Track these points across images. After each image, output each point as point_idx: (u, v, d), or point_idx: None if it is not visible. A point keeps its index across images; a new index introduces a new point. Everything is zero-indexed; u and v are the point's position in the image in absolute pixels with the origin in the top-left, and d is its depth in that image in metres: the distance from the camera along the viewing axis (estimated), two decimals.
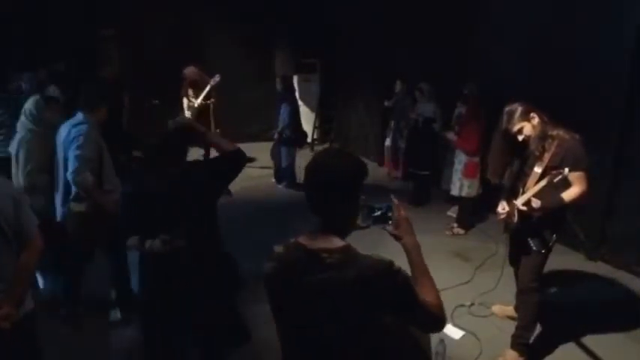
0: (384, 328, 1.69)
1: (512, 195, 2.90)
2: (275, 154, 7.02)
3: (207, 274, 2.37)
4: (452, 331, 3.33)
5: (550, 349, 3.15)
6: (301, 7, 8.79)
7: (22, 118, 3.45)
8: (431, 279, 1.52)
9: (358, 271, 1.35)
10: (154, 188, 2.32)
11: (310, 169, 1.46)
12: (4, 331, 1.88)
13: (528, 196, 2.70)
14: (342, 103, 9.39)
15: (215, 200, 2.48)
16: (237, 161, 2.48)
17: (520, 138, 2.73)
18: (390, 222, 1.54)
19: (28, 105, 3.47)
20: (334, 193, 1.42)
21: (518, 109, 2.70)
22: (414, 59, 6.74)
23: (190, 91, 7.08)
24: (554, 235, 2.81)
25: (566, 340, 3.24)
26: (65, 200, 3.15)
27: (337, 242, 1.43)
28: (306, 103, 9.45)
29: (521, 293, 3.03)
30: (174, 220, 2.27)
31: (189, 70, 6.95)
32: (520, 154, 2.85)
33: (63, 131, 3.15)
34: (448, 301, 3.63)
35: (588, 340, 3.26)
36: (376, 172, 7.71)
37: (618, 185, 4.31)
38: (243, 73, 9.08)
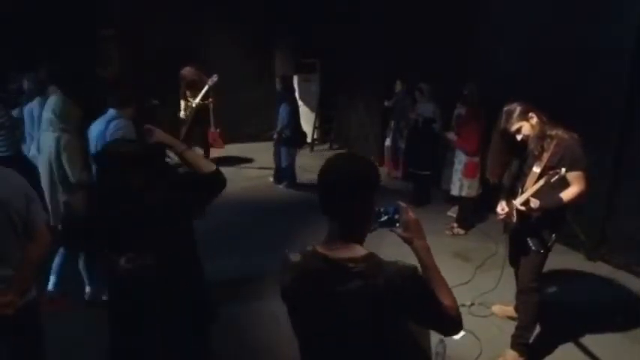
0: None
1: (511, 195, 2.90)
2: (275, 155, 7.02)
3: (175, 299, 2.18)
4: None
5: (550, 349, 3.15)
6: (301, 7, 8.79)
7: (52, 116, 3.42)
8: (445, 282, 1.53)
9: (386, 279, 1.35)
10: (120, 200, 2.11)
11: (322, 172, 1.45)
12: (9, 316, 2.00)
13: (527, 196, 2.69)
14: (342, 103, 9.39)
15: (186, 220, 2.29)
16: (214, 184, 2.25)
17: (519, 138, 2.73)
18: (398, 225, 1.52)
19: (56, 104, 3.45)
20: (346, 194, 1.40)
21: (517, 109, 2.70)
22: (414, 59, 6.74)
23: (187, 92, 7.08)
24: (554, 235, 2.81)
25: (566, 340, 3.24)
26: None
27: (359, 250, 1.42)
28: (306, 103, 9.46)
29: (521, 293, 3.03)
30: (140, 236, 2.07)
31: (186, 71, 6.95)
32: (519, 153, 2.85)
33: (96, 127, 3.39)
34: None
35: (588, 340, 3.26)
36: None
37: (618, 185, 4.31)
38: (243, 73, 9.08)
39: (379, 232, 1.57)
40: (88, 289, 3.71)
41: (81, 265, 3.65)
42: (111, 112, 3.42)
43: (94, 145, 3.38)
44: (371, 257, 1.40)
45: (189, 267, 2.28)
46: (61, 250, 3.60)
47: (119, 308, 2.25)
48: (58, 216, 3.46)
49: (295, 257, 1.47)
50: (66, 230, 3.03)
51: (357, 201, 1.42)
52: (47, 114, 3.44)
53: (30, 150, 4.52)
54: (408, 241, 1.53)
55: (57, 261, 3.61)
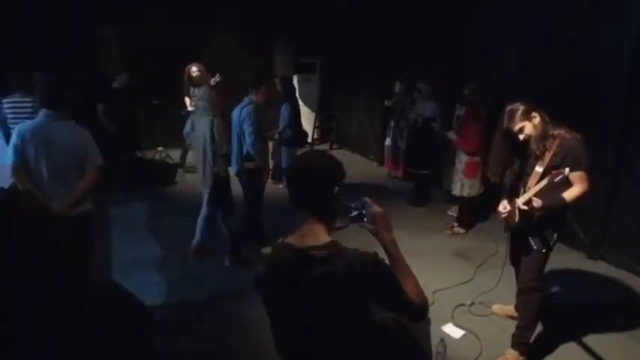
0: (383, 326, 1.72)
1: (513, 194, 2.90)
2: (275, 154, 7.02)
3: None
4: (452, 331, 3.34)
5: (550, 349, 3.15)
6: (301, 7, 8.79)
7: (206, 104, 4.20)
8: (409, 269, 1.60)
9: (346, 264, 1.41)
10: None
11: (291, 168, 1.61)
12: (68, 222, 2.39)
13: (529, 195, 2.70)
14: (342, 103, 9.40)
15: None
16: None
17: (521, 137, 2.73)
18: (365, 219, 1.60)
19: (205, 94, 4.27)
20: (312, 187, 1.52)
21: (520, 109, 2.70)
22: (414, 59, 6.75)
23: (192, 90, 7.13)
24: (555, 235, 2.82)
25: (566, 340, 3.25)
26: (238, 160, 4.41)
27: (324, 238, 1.50)
28: (306, 103, 9.46)
29: (521, 292, 3.04)
30: None
31: (195, 68, 7.01)
32: (521, 153, 2.86)
33: (236, 113, 4.37)
34: (448, 301, 3.67)
35: (589, 339, 3.26)
36: (376, 172, 7.72)
37: (618, 185, 4.32)
38: (244, 73, 9.06)
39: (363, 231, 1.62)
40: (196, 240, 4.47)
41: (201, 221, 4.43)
42: (245, 99, 4.35)
43: (235, 130, 4.31)
44: (333, 244, 1.48)
45: None
46: (204, 214, 4.42)
47: None
48: (208, 182, 4.24)
49: (267, 249, 1.56)
50: (214, 191, 4.26)
51: (321, 193, 1.53)
52: (201, 102, 4.24)
53: None
54: (375, 234, 1.61)
55: (202, 223, 4.45)
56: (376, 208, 1.61)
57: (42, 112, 3.03)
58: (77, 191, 3.04)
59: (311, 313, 1.47)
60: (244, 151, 4.34)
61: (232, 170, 4.46)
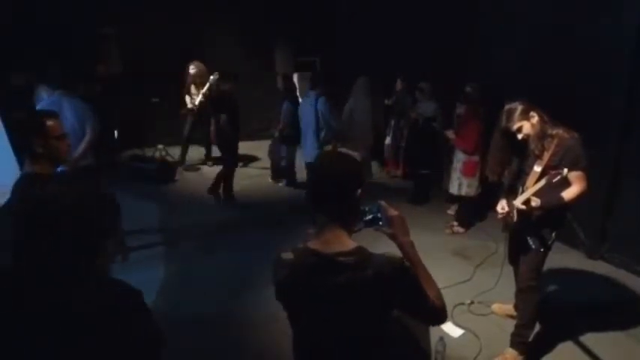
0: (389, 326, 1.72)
1: (511, 194, 2.91)
2: (274, 152, 7.04)
3: None
4: (452, 330, 3.34)
5: (549, 348, 3.16)
6: (301, 6, 8.80)
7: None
8: (429, 274, 1.58)
9: (375, 270, 1.39)
10: None
11: (313, 170, 1.54)
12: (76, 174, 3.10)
13: (527, 195, 2.70)
14: (343, 102, 9.38)
15: None
16: None
17: (519, 137, 2.74)
18: (381, 223, 1.56)
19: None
20: (336, 192, 1.47)
21: (518, 108, 2.70)
22: (414, 59, 6.75)
23: (193, 88, 7.18)
24: (554, 234, 2.82)
25: (565, 339, 3.25)
26: (315, 145, 4.89)
27: (349, 244, 1.47)
28: None
29: (520, 292, 3.04)
30: None
31: (195, 66, 7.05)
32: (519, 152, 2.86)
33: (305, 104, 4.98)
34: (448, 300, 3.61)
35: (588, 338, 3.27)
36: (376, 171, 7.72)
37: (618, 185, 4.32)
38: (243, 72, 9.06)
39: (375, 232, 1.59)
40: None
41: None
42: (311, 93, 4.88)
43: (307, 114, 4.82)
44: (360, 250, 1.45)
45: None
46: None
47: None
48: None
49: (287, 255, 1.51)
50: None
51: (346, 197, 1.48)
52: (362, 90, 5.39)
53: None
54: (392, 237, 1.58)
55: None
56: (392, 212, 1.57)
57: (55, 92, 4.17)
58: (83, 145, 4.03)
59: (338, 320, 1.45)
60: (321, 138, 4.84)
61: (309, 154, 4.89)
